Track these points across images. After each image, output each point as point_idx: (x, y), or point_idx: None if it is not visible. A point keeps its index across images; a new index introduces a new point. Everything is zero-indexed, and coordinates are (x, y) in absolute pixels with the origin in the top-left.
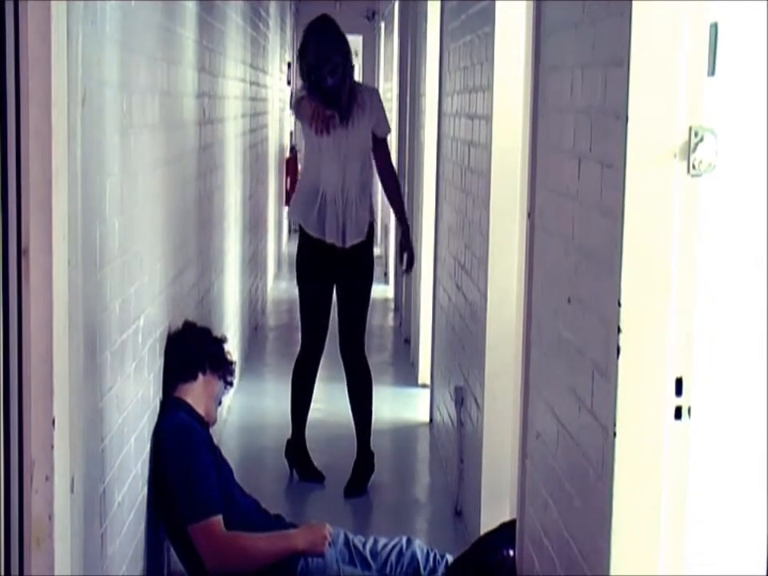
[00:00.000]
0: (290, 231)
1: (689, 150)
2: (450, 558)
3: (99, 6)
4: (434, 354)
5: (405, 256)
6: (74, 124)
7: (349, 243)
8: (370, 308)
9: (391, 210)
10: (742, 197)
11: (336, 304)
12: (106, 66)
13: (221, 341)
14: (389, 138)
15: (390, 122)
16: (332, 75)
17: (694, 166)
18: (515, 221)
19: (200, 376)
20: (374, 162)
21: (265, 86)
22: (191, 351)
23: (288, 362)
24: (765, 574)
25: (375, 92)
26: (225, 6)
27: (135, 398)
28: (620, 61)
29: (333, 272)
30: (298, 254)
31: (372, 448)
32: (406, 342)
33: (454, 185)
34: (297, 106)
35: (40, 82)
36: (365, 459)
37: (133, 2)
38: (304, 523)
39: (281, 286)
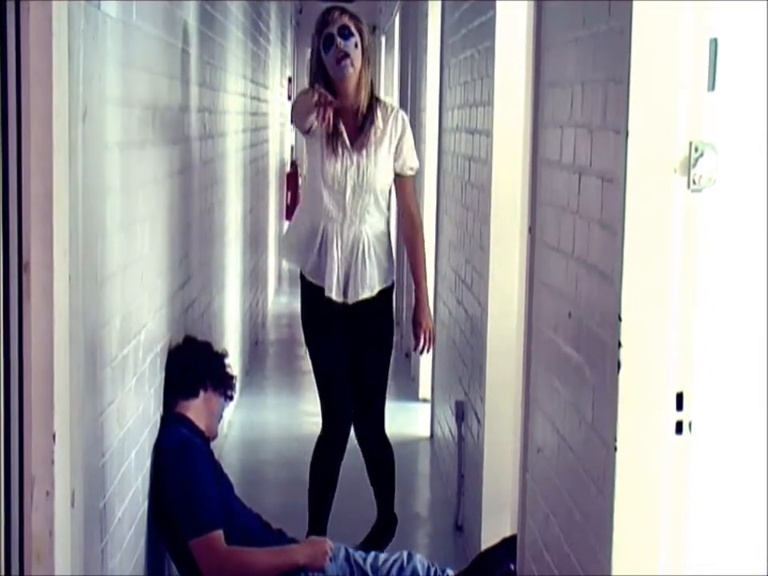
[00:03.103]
0: None
1: (689, 164)
2: (450, 573)
3: (100, 21)
4: (434, 368)
5: (421, 334)
6: (75, 139)
7: (352, 299)
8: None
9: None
10: (743, 211)
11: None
12: (107, 81)
13: (222, 355)
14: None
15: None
16: (344, 37)
17: (694, 181)
18: (515, 235)
19: (201, 392)
20: (395, 204)
21: (265, 101)
22: (192, 367)
23: (288, 376)
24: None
25: (401, 115)
26: (225, 21)
27: (136, 412)
28: (620, 76)
29: (343, 328)
30: (301, 307)
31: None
32: (406, 356)
33: (455, 199)
34: (295, 105)
35: (41, 97)
36: (386, 524)
37: (134, 17)
38: (305, 538)
39: (281, 301)
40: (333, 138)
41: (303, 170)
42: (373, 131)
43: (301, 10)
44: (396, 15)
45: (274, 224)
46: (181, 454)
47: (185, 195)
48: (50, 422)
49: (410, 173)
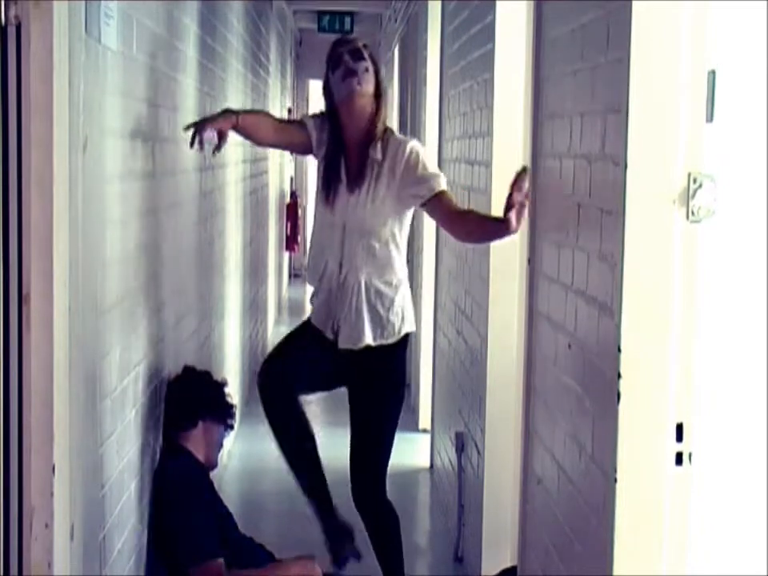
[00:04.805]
0: (290, 276)
1: (688, 196)
2: None
3: (101, 54)
4: (434, 399)
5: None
6: (76, 170)
7: (343, 344)
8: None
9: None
10: (742, 243)
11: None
12: (107, 113)
13: (221, 384)
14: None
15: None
16: (354, 58)
17: (693, 212)
18: (515, 266)
19: (200, 423)
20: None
21: None
22: (191, 398)
23: None
24: None
25: (410, 146)
26: (225, 52)
27: (135, 444)
28: (619, 107)
29: (344, 372)
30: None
31: None
32: (406, 386)
33: None
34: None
35: (42, 128)
36: None
37: (134, 50)
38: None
39: (281, 331)
40: (330, 173)
41: (303, 200)
42: (370, 168)
43: (300, 42)
44: (395, 47)
45: (274, 255)
46: (180, 485)
47: (185, 226)
48: (49, 453)
49: (438, 189)
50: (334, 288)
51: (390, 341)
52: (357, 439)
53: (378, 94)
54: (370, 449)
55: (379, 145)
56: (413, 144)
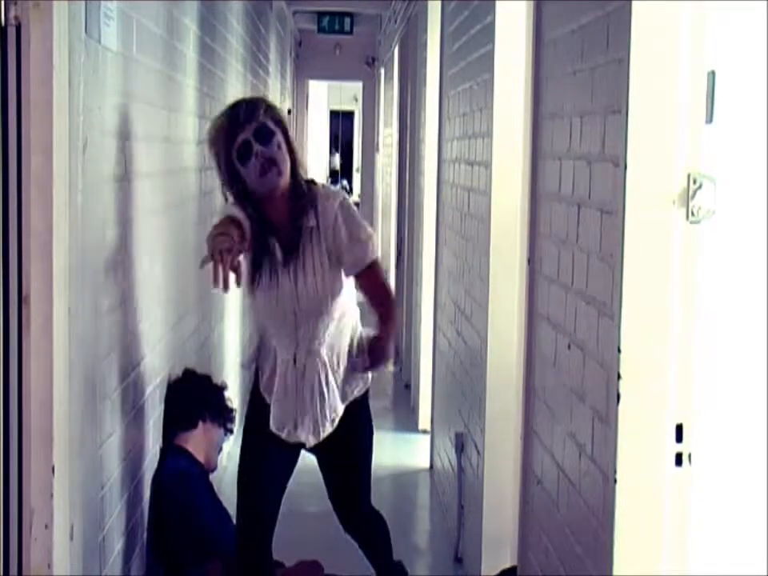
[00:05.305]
0: None
1: (687, 196)
2: None
3: (101, 55)
4: (434, 399)
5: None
6: (75, 172)
7: (312, 442)
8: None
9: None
10: (742, 243)
11: (319, 469)
12: (107, 114)
13: (221, 388)
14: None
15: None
16: (263, 141)
17: (692, 213)
18: (515, 267)
19: (200, 424)
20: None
21: None
22: (191, 399)
23: None
24: None
25: (337, 203)
26: (225, 53)
27: (135, 445)
28: (619, 108)
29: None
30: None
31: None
32: (406, 387)
33: (454, 230)
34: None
35: (42, 129)
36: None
37: (134, 51)
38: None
39: None
40: (264, 257)
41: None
42: (306, 238)
43: (300, 42)
44: (395, 47)
45: None
46: (180, 486)
47: (185, 226)
48: (49, 454)
49: (363, 263)
50: (290, 380)
51: (357, 394)
52: (341, 487)
53: (292, 157)
54: (355, 491)
55: (312, 212)
56: (338, 199)
